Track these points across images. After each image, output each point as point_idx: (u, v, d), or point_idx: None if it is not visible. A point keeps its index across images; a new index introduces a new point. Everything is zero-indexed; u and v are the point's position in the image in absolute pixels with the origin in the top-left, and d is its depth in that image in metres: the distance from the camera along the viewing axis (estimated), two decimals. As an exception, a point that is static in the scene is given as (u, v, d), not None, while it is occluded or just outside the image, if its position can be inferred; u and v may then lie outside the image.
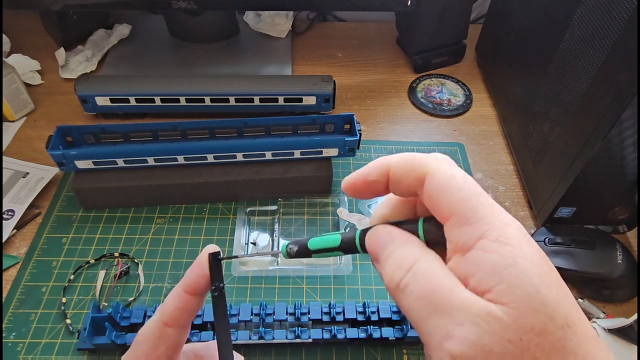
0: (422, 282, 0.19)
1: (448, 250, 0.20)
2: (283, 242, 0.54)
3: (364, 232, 0.24)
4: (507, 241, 0.18)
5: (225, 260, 0.52)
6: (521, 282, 0.18)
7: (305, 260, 0.52)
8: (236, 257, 0.31)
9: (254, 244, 0.54)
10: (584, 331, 0.18)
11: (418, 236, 0.22)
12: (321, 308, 0.45)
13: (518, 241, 0.18)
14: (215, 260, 0.26)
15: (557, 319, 0.18)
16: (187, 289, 0.26)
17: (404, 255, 0.21)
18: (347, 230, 0.25)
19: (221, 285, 0.27)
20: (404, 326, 0.43)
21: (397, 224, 0.23)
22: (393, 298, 0.21)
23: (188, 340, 0.34)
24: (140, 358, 0.26)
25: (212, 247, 0.27)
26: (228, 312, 0.43)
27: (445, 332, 0.18)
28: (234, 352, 0.30)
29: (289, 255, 0.26)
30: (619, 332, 0.44)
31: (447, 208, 0.20)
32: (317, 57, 0.81)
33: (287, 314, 0.44)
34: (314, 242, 0.25)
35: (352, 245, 0.25)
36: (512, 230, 0.19)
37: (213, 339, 0.31)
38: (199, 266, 0.26)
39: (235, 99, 0.64)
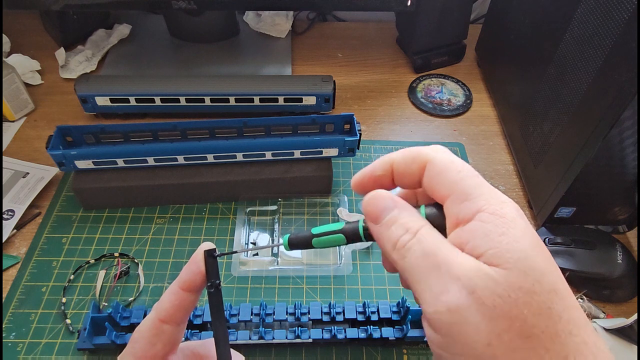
0: (426, 244, 0.21)
1: (448, 226, 0.22)
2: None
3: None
4: (502, 215, 0.20)
5: (226, 260, 0.52)
6: (512, 248, 0.19)
7: (305, 260, 0.52)
8: (235, 252, 0.31)
9: (254, 244, 0.54)
10: (569, 299, 0.20)
11: None
12: (321, 308, 0.45)
13: (512, 216, 0.20)
14: (210, 257, 0.27)
15: (544, 284, 0.19)
16: (183, 286, 0.27)
17: (412, 220, 0.22)
18: (345, 224, 0.26)
19: (217, 282, 0.27)
20: (404, 326, 0.43)
21: None
22: (392, 258, 0.22)
23: (187, 340, 0.34)
24: (137, 355, 0.27)
25: (207, 245, 0.27)
26: (228, 312, 0.43)
27: (442, 287, 0.20)
28: (235, 352, 0.30)
29: (290, 244, 0.27)
30: (619, 332, 0.44)
31: (447, 187, 0.22)
32: (317, 57, 0.81)
33: (287, 314, 0.44)
34: (316, 229, 0.26)
35: (355, 231, 0.25)
36: (507, 206, 0.21)
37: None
38: (195, 263, 0.27)
39: (235, 99, 0.64)
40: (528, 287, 0.19)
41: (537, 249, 0.20)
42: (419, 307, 0.21)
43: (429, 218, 0.23)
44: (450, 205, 0.22)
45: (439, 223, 0.23)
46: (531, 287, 0.19)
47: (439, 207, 0.23)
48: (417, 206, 0.24)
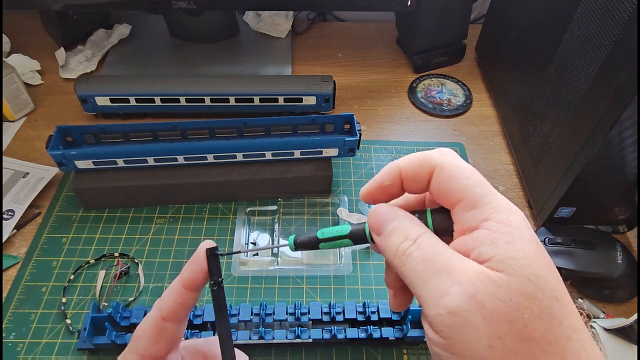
0: (426, 249, 0.22)
1: (455, 232, 0.23)
2: (283, 242, 0.54)
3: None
4: (508, 223, 0.21)
5: (226, 260, 0.52)
6: (517, 255, 0.20)
7: (305, 260, 0.52)
8: (238, 252, 0.31)
9: (254, 244, 0.54)
10: (569, 307, 0.20)
11: (426, 224, 0.24)
12: (321, 308, 0.45)
13: (518, 224, 0.21)
14: (212, 255, 0.27)
15: (546, 290, 0.20)
16: (186, 284, 0.27)
17: (411, 229, 0.23)
18: (352, 225, 0.26)
19: (220, 279, 0.27)
20: (404, 326, 0.43)
21: None
22: (394, 265, 0.23)
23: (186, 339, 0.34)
24: (140, 353, 0.27)
25: (209, 243, 0.27)
26: (228, 311, 0.43)
27: (443, 290, 0.20)
28: (239, 351, 0.30)
29: (297, 245, 0.27)
30: (619, 332, 0.44)
31: (456, 194, 0.22)
32: (317, 57, 0.81)
33: (287, 314, 0.44)
34: (322, 232, 0.27)
35: (361, 234, 0.26)
36: (514, 215, 0.21)
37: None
38: (197, 262, 0.27)
39: (235, 99, 0.64)
40: (530, 292, 0.19)
41: (540, 258, 0.20)
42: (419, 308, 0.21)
43: (434, 222, 0.24)
44: (458, 211, 0.22)
45: (445, 226, 0.23)
46: (533, 293, 0.19)
47: (445, 210, 0.24)
48: (422, 209, 0.25)
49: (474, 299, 0.19)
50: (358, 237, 0.26)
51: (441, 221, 0.24)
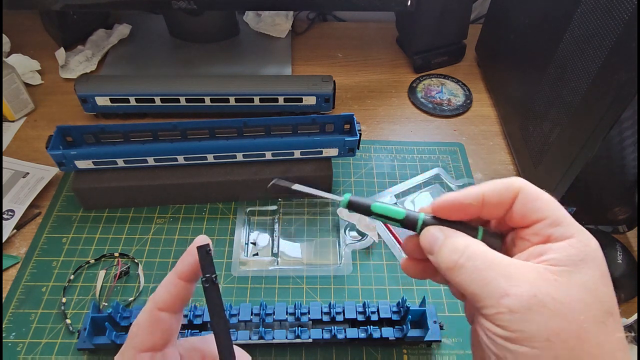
0: (477, 259, 0.24)
1: (532, 241, 0.25)
2: (283, 242, 0.54)
3: (428, 217, 0.27)
4: (588, 245, 0.24)
5: (225, 260, 0.52)
6: (584, 271, 0.23)
7: (305, 260, 0.52)
8: (292, 185, 0.32)
9: (254, 244, 0.54)
10: (619, 328, 0.23)
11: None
12: (321, 308, 0.45)
13: (595, 248, 0.24)
14: (203, 252, 0.27)
15: (604, 304, 0.22)
16: (181, 275, 0.27)
17: (457, 242, 0.25)
18: (408, 212, 0.28)
19: (213, 276, 0.27)
20: (404, 326, 0.43)
21: (452, 223, 0.27)
22: (449, 278, 0.25)
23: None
24: (137, 347, 0.27)
25: (202, 239, 0.27)
26: (228, 312, 0.43)
27: (502, 292, 0.22)
28: (242, 350, 0.30)
29: (349, 204, 0.29)
30: (619, 332, 0.44)
31: (541, 212, 0.25)
32: (317, 57, 0.81)
33: (287, 314, 0.44)
34: (377, 207, 0.28)
35: (413, 223, 0.28)
36: (592, 241, 0.24)
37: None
38: (190, 255, 0.27)
39: (235, 99, 0.64)
40: (589, 301, 0.22)
41: (604, 279, 0.23)
42: (480, 308, 0.23)
43: (485, 236, 0.27)
44: (541, 226, 0.25)
45: (495, 244, 0.26)
46: (591, 303, 0.22)
47: (496, 234, 0.27)
48: (474, 225, 0.27)
49: (534, 298, 0.22)
50: (409, 225, 0.28)
51: (491, 237, 0.27)
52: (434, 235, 0.26)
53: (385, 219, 0.28)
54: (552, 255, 0.23)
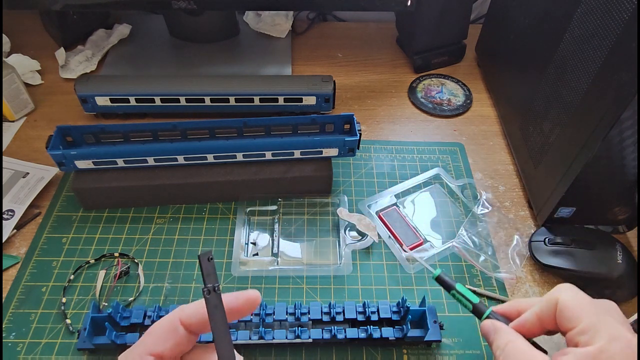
0: (512, 355, 0.32)
1: (567, 344, 0.32)
2: (283, 242, 0.54)
3: (491, 313, 0.37)
4: (604, 350, 0.29)
5: (225, 260, 0.52)
6: None
7: (305, 260, 0.52)
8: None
9: (254, 244, 0.54)
10: None
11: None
12: (321, 308, 0.45)
13: (611, 353, 0.29)
14: (206, 260, 0.26)
15: None
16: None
17: (500, 338, 0.34)
18: (481, 301, 0.39)
19: (215, 286, 0.26)
20: (404, 326, 0.43)
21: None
22: None
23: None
24: (148, 348, 0.27)
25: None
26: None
27: None
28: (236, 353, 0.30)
29: (437, 278, 0.40)
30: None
31: (571, 322, 0.31)
32: (317, 57, 0.81)
33: (287, 314, 0.44)
34: (460, 287, 0.39)
35: (480, 313, 0.38)
36: (616, 344, 0.29)
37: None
38: (200, 308, 0.28)
39: (235, 99, 0.64)
40: None
41: None
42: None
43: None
44: (572, 334, 0.31)
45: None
46: None
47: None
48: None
49: None
50: (477, 313, 0.38)
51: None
52: (488, 327, 0.35)
53: (462, 297, 0.39)
54: (568, 357, 0.29)
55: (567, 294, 0.33)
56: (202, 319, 0.28)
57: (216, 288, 0.27)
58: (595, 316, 0.31)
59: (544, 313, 0.33)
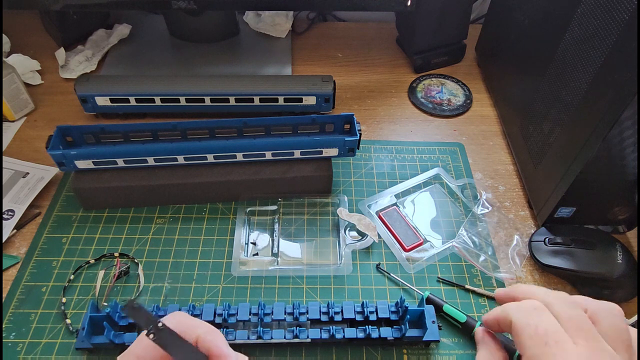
0: None
1: None
2: (283, 242, 0.54)
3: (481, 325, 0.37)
4: None
5: (225, 261, 0.52)
6: None
7: (305, 260, 0.52)
8: None
9: (254, 244, 0.54)
10: None
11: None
12: (319, 308, 0.45)
13: None
14: (131, 309, 0.27)
15: None
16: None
17: (480, 354, 0.35)
18: (468, 319, 0.45)
19: (157, 325, 0.27)
20: (402, 326, 0.43)
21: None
22: None
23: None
24: (139, 354, 0.27)
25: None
26: (226, 312, 0.43)
27: None
28: (238, 353, 0.30)
29: (427, 299, 0.47)
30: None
31: (520, 348, 0.30)
32: (317, 57, 0.81)
33: (285, 314, 0.44)
34: (448, 308, 0.46)
35: (470, 329, 0.44)
36: None
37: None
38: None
39: (235, 99, 0.64)
40: None
41: None
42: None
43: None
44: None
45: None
46: None
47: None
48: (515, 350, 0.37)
49: None
50: (467, 329, 0.44)
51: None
52: (477, 337, 0.36)
53: (451, 318, 0.46)
54: None
55: (515, 314, 0.31)
56: (159, 355, 0.28)
57: (159, 326, 0.27)
58: (543, 346, 0.29)
59: (501, 323, 0.33)
